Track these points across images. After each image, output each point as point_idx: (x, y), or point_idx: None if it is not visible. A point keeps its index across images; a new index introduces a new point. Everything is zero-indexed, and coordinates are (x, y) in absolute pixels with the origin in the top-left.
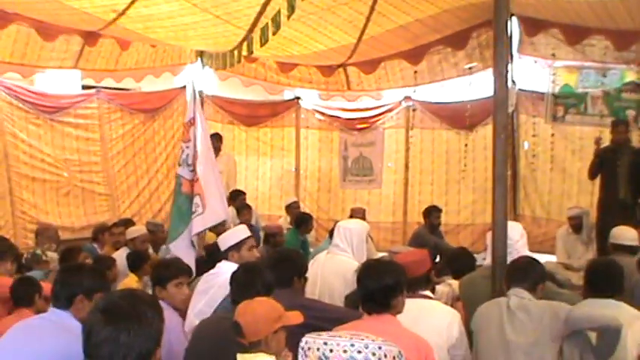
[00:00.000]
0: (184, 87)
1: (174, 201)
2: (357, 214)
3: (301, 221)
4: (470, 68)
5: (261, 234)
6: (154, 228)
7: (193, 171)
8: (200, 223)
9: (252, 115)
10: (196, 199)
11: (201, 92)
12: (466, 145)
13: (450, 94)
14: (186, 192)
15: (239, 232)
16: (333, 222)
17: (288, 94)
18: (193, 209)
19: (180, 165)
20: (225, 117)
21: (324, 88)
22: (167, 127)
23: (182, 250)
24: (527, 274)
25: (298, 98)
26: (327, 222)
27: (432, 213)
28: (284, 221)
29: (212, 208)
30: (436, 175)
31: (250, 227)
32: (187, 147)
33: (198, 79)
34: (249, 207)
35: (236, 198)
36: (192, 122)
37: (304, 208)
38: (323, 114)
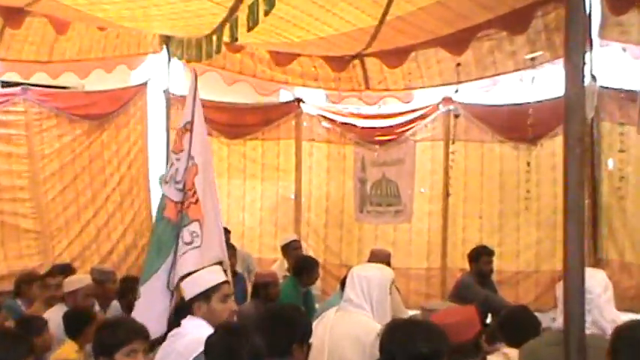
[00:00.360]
0: (144, 85)
1: (154, 227)
2: (379, 257)
3: (303, 267)
4: (533, 59)
5: (250, 284)
6: (102, 277)
7: (183, 190)
8: (195, 259)
9: (236, 123)
10: (193, 227)
11: (167, 92)
12: (528, 163)
13: (505, 94)
14: (169, 217)
15: (209, 275)
16: (346, 268)
17: (285, 96)
18: (189, 239)
19: (166, 182)
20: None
21: (333, 87)
22: (121, 140)
23: (154, 295)
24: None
25: (299, 101)
26: (337, 268)
27: (480, 256)
28: (279, 267)
29: (209, 242)
30: (486, 204)
31: (235, 275)
32: (178, 159)
33: (163, 75)
34: (232, 248)
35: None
36: (187, 128)
37: (307, 249)
38: (332, 122)
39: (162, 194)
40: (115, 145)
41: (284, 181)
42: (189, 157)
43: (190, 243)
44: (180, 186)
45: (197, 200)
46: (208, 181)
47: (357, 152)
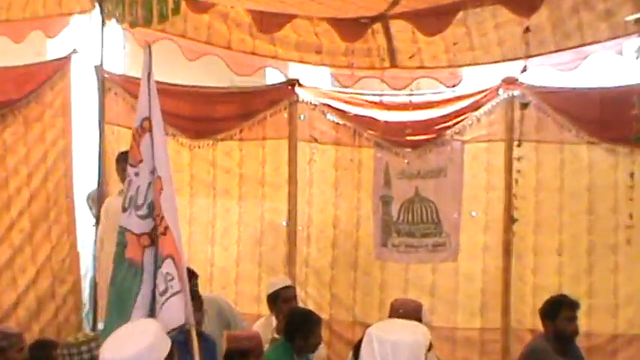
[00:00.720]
0: (67, 59)
1: (113, 275)
2: (406, 311)
3: (298, 327)
4: (637, 21)
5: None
6: (4, 342)
7: (149, 216)
8: (176, 310)
9: (202, 115)
10: (167, 266)
11: (101, 70)
12: (632, 175)
13: (596, 74)
14: (132, 258)
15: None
16: (362, 328)
17: (273, 77)
18: (164, 286)
19: (124, 209)
20: None
21: (344, 64)
22: (32, 139)
23: None
24: None
25: (294, 84)
26: (348, 328)
27: (560, 311)
28: (265, 326)
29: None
30: (568, 234)
31: (203, 339)
32: (137, 174)
33: (93, 46)
34: (198, 298)
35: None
36: (146, 127)
37: (304, 300)
38: (342, 114)
39: (120, 227)
40: (24, 148)
41: (272, 201)
42: (153, 169)
43: (165, 292)
44: (144, 211)
45: (166, 229)
46: (173, 199)
47: (378, 158)
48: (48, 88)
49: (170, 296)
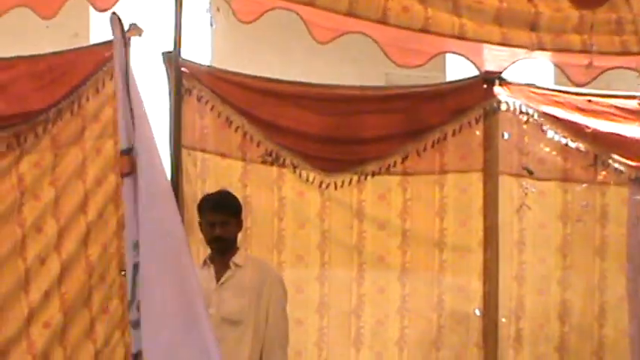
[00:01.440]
0: (124, 41)
1: None
2: None
3: None
4: None
5: None
6: None
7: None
8: None
9: (340, 135)
10: None
11: (176, 60)
12: None
13: None
14: None
15: None
16: None
17: (457, 71)
18: None
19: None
20: (254, 139)
21: (577, 47)
22: (64, 177)
23: None
24: None
25: (493, 79)
26: None
27: None
28: None
29: None
30: None
31: None
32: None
33: (158, 24)
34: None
35: None
36: (125, 166)
37: None
38: (575, 129)
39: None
40: (52, 189)
41: (456, 276)
42: (136, 243)
43: None
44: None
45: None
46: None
47: (635, 201)
48: (91, 91)
49: None
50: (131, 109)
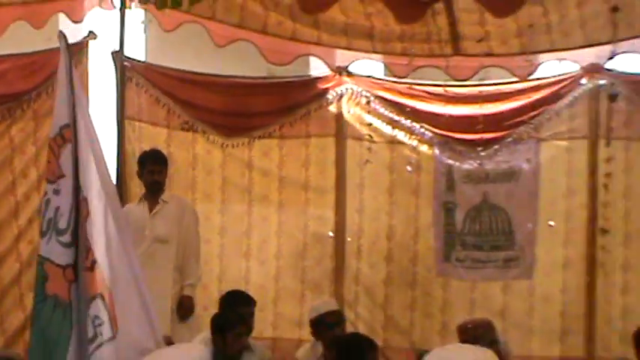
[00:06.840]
0: (83, 44)
1: (35, 314)
2: (476, 334)
3: (347, 354)
4: None
5: None
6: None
7: (73, 245)
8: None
9: (235, 110)
10: (95, 308)
11: (120, 57)
12: None
13: None
14: (57, 294)
15: None
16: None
17: (317, 66)
18: (92, 333)
19: (43, 234)
20: (175, 113)
21: (399, 51)
22: (43, 137)
23: None
24: None
25: (341, 72)
26: (404, 355)
27: None
28: (308, 355)
29: (128, 329)
30: None
31: None
32: (56, 191)
33: (108, 30)
34: (245, 326)
35: (233, 306)
36: (66, 136)
37: (354, 323)
38: (398, 108)
39: (39, 257)
40: (33, 147)
41: (317, 208)
42: (77, 187)
43: (93, 339)
44: (67, 239)
45: (94, 263)
46: (114, 221)
47: (440, 159)
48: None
49: (99, 345)
50: (73, 94)
